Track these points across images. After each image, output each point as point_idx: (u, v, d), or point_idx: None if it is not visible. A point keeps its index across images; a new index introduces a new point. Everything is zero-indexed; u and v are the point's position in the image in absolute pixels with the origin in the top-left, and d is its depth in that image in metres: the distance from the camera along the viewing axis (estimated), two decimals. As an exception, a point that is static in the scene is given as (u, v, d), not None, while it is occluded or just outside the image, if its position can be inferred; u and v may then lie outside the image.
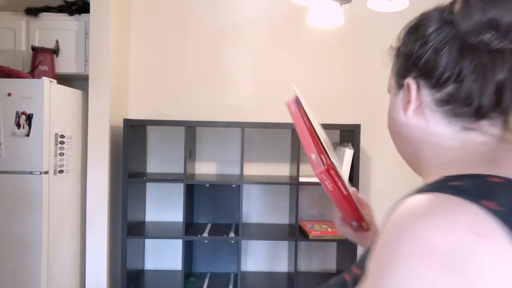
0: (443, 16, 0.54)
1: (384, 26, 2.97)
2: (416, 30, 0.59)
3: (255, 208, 2.97)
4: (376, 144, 2.96)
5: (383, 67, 3.00)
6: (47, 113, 2.22)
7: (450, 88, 0.52)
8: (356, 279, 0.58)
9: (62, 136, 2.36)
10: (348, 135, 2.68)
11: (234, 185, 2.88)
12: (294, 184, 2.56)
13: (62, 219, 2.38)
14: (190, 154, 2.68)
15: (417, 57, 0.56)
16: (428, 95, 0.54)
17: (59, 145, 2.33)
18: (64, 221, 2.41)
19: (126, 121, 2.53)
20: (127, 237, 2.52)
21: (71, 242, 2.49)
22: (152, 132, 2.97)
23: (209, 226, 2.82)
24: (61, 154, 2.35)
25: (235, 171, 2.96)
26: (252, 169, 2.97)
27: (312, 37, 2.96)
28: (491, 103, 0.49)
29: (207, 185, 2.90)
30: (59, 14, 2.58)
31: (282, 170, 2.97)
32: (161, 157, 2.96)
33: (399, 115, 0.59)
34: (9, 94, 2.16)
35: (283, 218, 2.97)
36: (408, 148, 0.61)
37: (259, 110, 2.97)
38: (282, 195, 2.96)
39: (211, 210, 2.93)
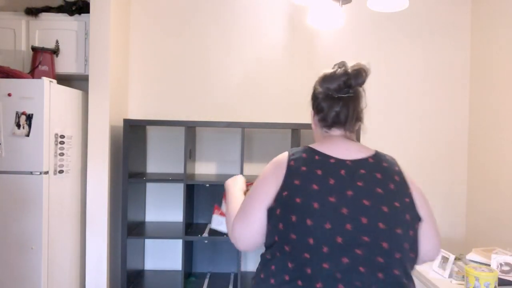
0: (316, 85, 1.17)
1: (384, 26, 2.98)
2: (313, 88, 1.19)
3: (255, 208, 2.96)
4: (376, 144, 2.96)
5: (383, 67, 3.00)
6: (47, 113, 2.21)
7: (320, 114, 1.14)
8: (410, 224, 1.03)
9: (62, 136, 2.36)
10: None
11: (234, 185, 2.88)
12: (294, 184, 2.56)
13: (62, 219, 2.38)
14: (190, 154, 2.68)
15: (311, 100, 1.20)
16: (315, 117, 1.18)
17: (59, 145, 2.33)
18: (64, 221, 2.41)
19: (126, 121, 2.53)
20: (127, 237, 2.52)
21: (71, 242, 2.49)
22: (152, 132, 2.96)
23: (209, 226, 2.82)
24: (61, 154, 2.35)
25: (235, 171, 2.96)
26: (252, 169, 2.97)
27: (312, 38, 2.96)
28: (333, 121, 1.12)
29: (207, 185, 2.90)
30: (59, 14, 2.58)
31: (282, 170, 2.97)
32: (161, 157, 2.96)
33: (313, 126, 1.23)
34: (9, 94, 2.16)
35: (283, 218, 2.96)
36: (315, 138, 1.24)
37: (259, 110, 2.97)
38: (282, 195, 2.96)
39: (211, 210, 2.93)
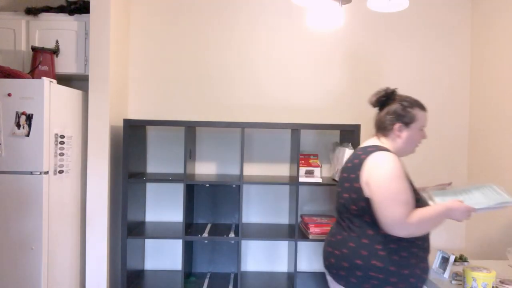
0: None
1: (384, 27, 2.97)
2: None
3: (255, 208, 2.97)
4: (376, 144, 2.95)
5: (383, 68, 3.00)
6: (47, 113, 2.22)
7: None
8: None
9: (62, 136, 2.36)
10: (348, 135, 2.68)
11: (234, 185, 2.88)
12: (294, 184, 2.57)
13: (62, 219, 2.38)
14: (190, 154, 2.68)
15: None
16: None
17: (59, 145, 2.33)
18: (64, 221, 2.42)
19: (126, 121, 2.53)
20: (127, 237, 2.52)
21: (71, 242, 2.49)
22: (152, 132, 2.97)
23: (209, 226, 2.82)
24: (61, 154, 2.35)
25: (235, 171, 2.97)
26: (252, 169, 2.97)
27: (312, 38, 2.96)
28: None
29: (207, 185, 2.90)
30: (59, 14, 2.58)
31: (282, 170, 2.97)
32: (161, 157, 2.96)
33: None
34: (9, 94, 2.16)
35: (283, 218, 2.97)
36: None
37: (259, 110, 2.97)
38: (282, 195, 2.97)
39: (211, 210, 2.93)
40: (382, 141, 1.65)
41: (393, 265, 1.49)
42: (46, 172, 2.22)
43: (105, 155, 2.54)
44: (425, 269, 1.56)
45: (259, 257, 2.98)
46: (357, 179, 1.54)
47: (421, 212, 1.46)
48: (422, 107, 1.65)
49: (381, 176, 1.48)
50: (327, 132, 2.98)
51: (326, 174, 2.98)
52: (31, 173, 2.18)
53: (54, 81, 2.30)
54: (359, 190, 1.53)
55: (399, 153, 1.65)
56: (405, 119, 1.62)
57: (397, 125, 1.62)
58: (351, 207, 1.57)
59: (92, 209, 2.54)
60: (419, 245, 1.53)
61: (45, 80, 2.21)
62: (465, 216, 1.49)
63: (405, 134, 1.62)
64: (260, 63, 2.97)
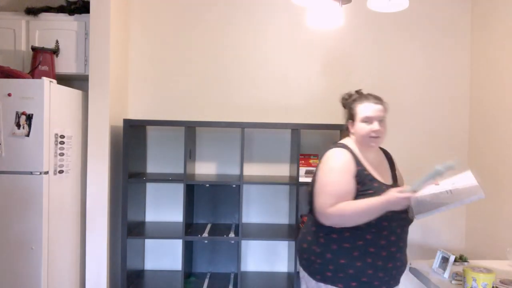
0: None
1: (384, 26, 2.97)
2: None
3: (255, 208, 2.97)
4: (376, 144, 2.95)
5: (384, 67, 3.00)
6: (47, 113, 2.22)
7: None
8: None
9: (62, 136, 2.36)
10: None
11: (234, 185, 2.88)
12: (293, 184, 2.57)
13: (62, 219, 2.38)
14: (190, 154, 2.68)
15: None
16: None
17: (59, 145, 2.33)
18: (64, 221, 2.41)
19: (126, 121, 2.53)
20: (127, 237, 2.52)
21: (71, 242, 2.49)
22: (152, 132, 2.97)
23: (209, 226, 2.82)
24: (61, 154, 2.35)
25: (235, 171, 2.96)
26: (252, 169, 2.97)
27: (312, 38, 2.96)
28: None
29: (207, 185, 2.90)
30: (59, 14, 2.58)
31: (282, 170, 2.97)
32: (161, 157, 2.96)
33: None
34: (9, 94, 2.16)
35: (283, 218, 2.97)
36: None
37: (259, 110, 2.97)
38: (282, 195, 2.97)
39: (211, 210, 2.93)
40: (350, 138, 1.77)
41: (330, 253, 1.60)
42: (46, 172, 2.22)
43: (105, 155, 2.54)
44: (372, 265, 1.57)
45: (259, 257, 2.98)
46: (315, 174, 1.71)
47: (349, 204, 1.54)
48: (360, 100, 1.71)
49: (321, 170, 1.65)
50: (327, 132, 2.98)
51: (326, 174, 2.97)
52: (31, 173, 2.18)
53: (54, 81, 2.30)
54: (312, 184, 1.70)
55: (362, 147, 1.71)
56: (349, 115, 1.75)
57: (348, 123, 1.77)
58: (309, 199, 1.72)
59: (92, 209, 2.54)
60: (368, 240, 1.57)
61: (45, 80, 2.21)
62: (405, 203, 1.51)
63: (354, 129, 1.72)
64: (260, 63, 2.96)
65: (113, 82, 2.59)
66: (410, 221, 1.69)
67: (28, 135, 2.18)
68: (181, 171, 2.96)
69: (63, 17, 2.58)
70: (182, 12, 2.95)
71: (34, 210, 2.18)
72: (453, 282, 1.78)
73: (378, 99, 1.72)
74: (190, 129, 2.66)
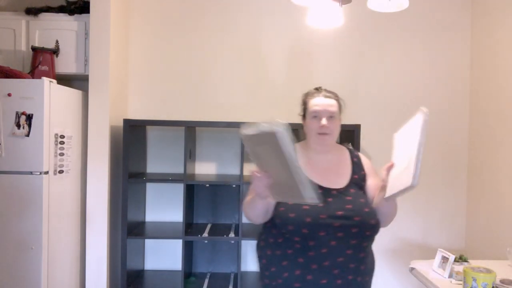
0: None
1: (384, 26, 2.97)
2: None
3: (255, 208, 2.96)
4: (376, 144, 2.95)
5: (384, 68, 3.00)
6: (47, 113, 2.22)
7: None
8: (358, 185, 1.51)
9: (62, 136, 2.36)
10: (348, 135, 2.68)
11: (234, 185, 2.88)
12: (294, 184, 2.56)
13: (62, 219, 2.38)
14: (190, 154, 2.68)
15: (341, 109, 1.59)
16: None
17: (59, 145, 2.33)
18: (64, 221, 2.41)
19: (126, 121, 2.53)
20: (127, 237, 2.52)
21: (71, 242, 2.49)
22: (152, 132, 2.97)
23: (209, 226, 2.82)
24: (61, 154, 2.35)
25: (235, 171, 2.96)
26: (252, 169, 2.96)
27: (311, 37, 2.96)
28: None
29: (207, 185, 2.90)
30: (59, 14, 2.58)
31: (282, 170, 2.96)
32: (161, 157, 2.96)
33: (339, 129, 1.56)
34: (9, 94, 2.16)
35: (283, 218, 2.96)
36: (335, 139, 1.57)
37: (259, 110, 2.97)
38: (282, 195, 2.96)
39: (211, 210, 2.93)
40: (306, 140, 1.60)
41: (265, 259, 1.48)
42: (46, 172, 2.22)
43: (105, 155, 2.54)
44: (300, 278, 1.37)
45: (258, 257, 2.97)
46: None
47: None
48: (312, 95, 1.56)
49: None
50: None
51: (326, 174, 2.97)
52: (31, 173, 2.18)
53: (54, 81, 2.30)
54: None
55: (311, 148, 1.54)
56: (302, 111, 1.60)
57: (303, 121, 1.61)
58: None
59: (92, 209, 2.54)
60: (297, 249, 1.39)
61: (45, 80, 2.21)
62: (258, 183, 1.30)
63: (305, 127, 1.57)
64: (260, 63, 2.96)
65: (113, 82, 2.59)
66: (362, 231, 1.39)
67: (28, 135, 2.18)
68: (181, 171, 2.96)
69: (63, 17, 2.58)
70: (182, 12, 2.95)
71: (34, 210, 2.18)
72: (453, 282, 1.78)
73: (330, 93, 1.55)
74: (190, 129, 2.66)
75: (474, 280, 1.61)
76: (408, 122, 1.34)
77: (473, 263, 2.07)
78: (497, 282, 1.75)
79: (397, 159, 1.31)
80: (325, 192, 1.43)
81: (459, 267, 1.95)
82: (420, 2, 2.96)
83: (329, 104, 1.51)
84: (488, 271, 1.63)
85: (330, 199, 1.42)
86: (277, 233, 1.44)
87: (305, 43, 2.96)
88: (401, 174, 1.24)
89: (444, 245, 2.97)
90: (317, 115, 1.50)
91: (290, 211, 1.39)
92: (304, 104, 1.59)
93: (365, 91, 2.97)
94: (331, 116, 1.50)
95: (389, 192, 1.27)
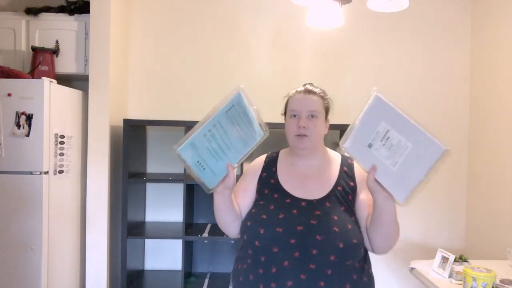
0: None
1: (384, 26, 2.97)
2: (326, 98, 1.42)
3: (255, 208, 2.96)
4: (376, 144, 2.96)
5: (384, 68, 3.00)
6: (47, 113, 2.22)
7: None
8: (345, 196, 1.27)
9: (62, 136, 2.36)
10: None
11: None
12: (294, 184, 2.56)
13: (62, 219, 2.38)
14: (190, 154, 2.68)
15: (328, 108, 1.38)
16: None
17: (59, 145, 2.33)
18: (64, 221, 2.41)
19: (126, 121, 2.53)
20: (127, 237, 2.52)
21: (71, 242, 2.49)
22: (152, 132, 2.97)
23: (209, 226, 2.82)
24: (61, 154, 2.35)
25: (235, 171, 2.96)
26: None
27: (312, 37, 2.96)
28: None
29: (207, 185, 2.89)
30: (59, 14, 2.58)
31: (282, 170, 2.97)
32: (161, 157, 2.96)
33: (323, 130, 1.35)
34: (9, 94, 2.16)
35: (283, 218, 2.96)
36: (320, 141, 1.37)
37: (259, 110, 2.96)
38: (282, 195, 2.96)
39: (211, 210, 2.91)
40: None
41: (233, 270, 1.34)
42: (46, 172, 2.22)
43: (105, 155, 2.54)
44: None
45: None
46: None
47: None
48: (293, 93, 1.39)
49: None
50: (330, 132, 2.97)
51: (326, 174, 2.97)
52: (31, 173, 2.18)
53: (54, 81, 2.30)
54: None
55: (293, 150, 1.38)
56: (284, 110, 1.43)
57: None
58: None
59: (92, 209, 2.54)
60: (249, 264, 1.22)
61: (45, 80, 2.21)
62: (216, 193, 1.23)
63: (285, 127, 1.38)
64: (261, 63, 2.96)
65: (113, 82, 2.59)
66: (324, 255, 1.12)
67: (28, 135, 2.18)
68: (181, 171, 2.96)
69: (63, 17, 2.58)
70: (182, 12, 2.95)
71: (34, 210, 2.18)
72: (453, 282, 1.78)
73: (315, 89, 1.36)
74: (190, 129, 2.66)
75: (474, 280, 1.61)
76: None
77: (473, 263, 2.07)
78: (497, 282, 1.75)
79: (377, 159, 1.11)
80: (292, 202, 1.23)
81: (459, 267, 1.95)
82: (420, 2, 2.96)
83: (310, 100, 1.31)
84: (488, 271, 1.63)
85: (295, 211, 1.19)
86: (244, 243, 1.28)
87: (305, 43, 2.96)
88: (403, 164, 1.06)
89: (444, 245, 2.97)
90: (296, 114, 1.30)
91: (249, 219, 1.24)
92: (286, 102, 1.40)
93: (365, 90, 2.97)
94: (312, 115, 1.29)
95: (400, 194, 1.04)
